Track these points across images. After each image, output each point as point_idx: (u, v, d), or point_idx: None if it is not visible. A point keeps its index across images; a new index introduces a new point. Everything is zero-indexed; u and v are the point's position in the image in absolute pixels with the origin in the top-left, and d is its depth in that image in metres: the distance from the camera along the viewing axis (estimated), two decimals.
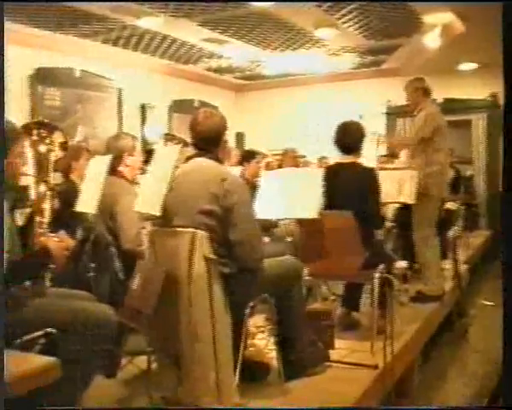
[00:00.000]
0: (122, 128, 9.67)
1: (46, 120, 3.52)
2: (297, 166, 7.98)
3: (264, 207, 4.02)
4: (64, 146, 3.46)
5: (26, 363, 1.77)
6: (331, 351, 4.11)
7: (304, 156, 9.77)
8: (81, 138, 8.56)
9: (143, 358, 3.71)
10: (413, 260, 6.21)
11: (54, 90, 8.91)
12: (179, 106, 11.18)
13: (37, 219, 3.14)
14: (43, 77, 8.70)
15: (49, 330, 2.91)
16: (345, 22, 8.45)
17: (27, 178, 3.25)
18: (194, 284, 3.20)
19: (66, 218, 4.03)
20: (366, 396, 3.63)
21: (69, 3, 7.14)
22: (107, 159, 3.89)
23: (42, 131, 3.34)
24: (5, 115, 5.05)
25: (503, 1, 1.67)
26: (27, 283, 3.06)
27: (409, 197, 5.44)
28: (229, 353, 3.32)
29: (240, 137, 12.60)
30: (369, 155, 5.36)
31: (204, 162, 3.49)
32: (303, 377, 3.75)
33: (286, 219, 4.75)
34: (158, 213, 3.30)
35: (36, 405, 2.77)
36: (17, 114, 6.03)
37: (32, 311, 2.98)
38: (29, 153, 3.24)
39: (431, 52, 9.51)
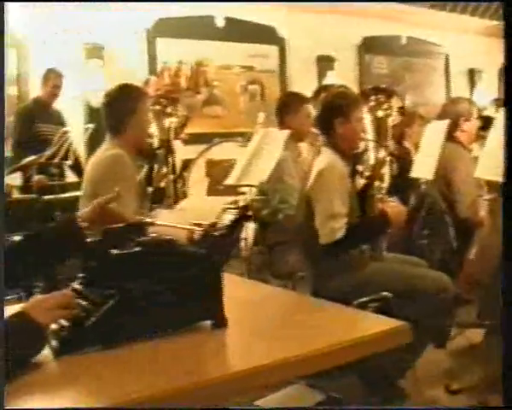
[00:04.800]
0: (450, 94, 9.39)
1: (383, 86, 3.51)
2: None
3: None
4: (401, 111, 3.42)
5: (379, 324, 1.74)
6: None
7: None
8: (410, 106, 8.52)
9: (474, 331, 3.55)
10: None
11: (381, 59, 8.96)
12: None
13: (376, 183, 3.15)
14: (370, 46, 8.79)
15: (384, 293, 2.91)
16: None
17: (366, 144, 3.28)
18: None
19: (399, 184, 4.00)
20: None
21: None
22: (445, 124, 3.75)
23: (379, 96, 3.34)
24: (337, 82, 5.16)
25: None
26: (364, 246, 3.11)
27: None
28: None
29: None
30: None
31: None
32: None
33: None
34: (502, 180, 3.09)
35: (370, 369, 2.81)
36: (345, 83, 6.16)
37: (369, 274, 3.02)
38: (367, 118, 3.26)
39: None
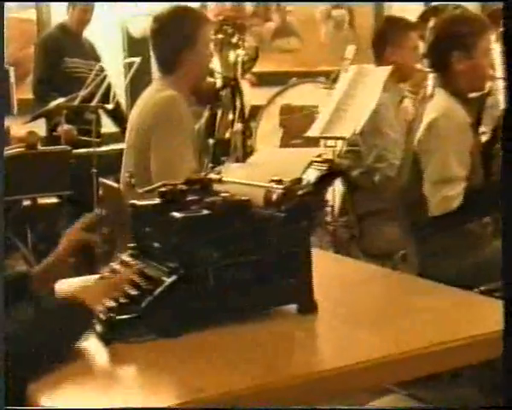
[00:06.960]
0: None
1: None
2: None
3: None
4: None
5: None
6: None
7: None
8: None
9: None
10: None
11: None
12: None
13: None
14: None
15: None
16: None
17: (495, 84, 3.22)
18: None
19: None
20: None
21: None
22: None
23: None
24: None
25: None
26: (487, 219, 3.07)
27: None
28: None
29: None
30: None
31: None
32: None
33: None
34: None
35: None
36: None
37: (493, 255, 2.98)
38: (496, 50, 3.19)
39: None
